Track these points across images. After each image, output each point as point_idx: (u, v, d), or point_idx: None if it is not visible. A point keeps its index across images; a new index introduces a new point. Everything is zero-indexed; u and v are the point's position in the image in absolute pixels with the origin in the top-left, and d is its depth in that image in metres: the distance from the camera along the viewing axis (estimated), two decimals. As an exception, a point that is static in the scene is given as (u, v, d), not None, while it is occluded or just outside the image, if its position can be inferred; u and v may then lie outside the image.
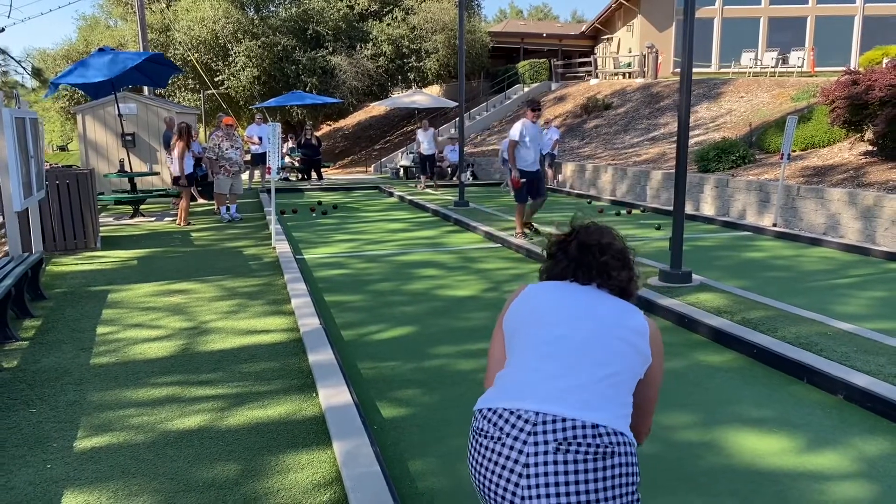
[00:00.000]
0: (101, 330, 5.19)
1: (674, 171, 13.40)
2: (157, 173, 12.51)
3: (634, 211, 12.38)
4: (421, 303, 6.10)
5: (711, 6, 27.31)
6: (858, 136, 11.06)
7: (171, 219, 11.71)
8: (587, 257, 1.98)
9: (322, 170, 19.83)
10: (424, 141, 17.08)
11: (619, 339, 1.83)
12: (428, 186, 16.95)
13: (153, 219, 11.74)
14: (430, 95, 24.30)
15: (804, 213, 9.84)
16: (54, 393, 3.97)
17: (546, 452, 1.65)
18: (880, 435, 3.48)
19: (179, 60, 25.08)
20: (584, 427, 1.67)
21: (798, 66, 23.12)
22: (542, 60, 29.62)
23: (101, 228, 10.06)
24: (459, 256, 8.25)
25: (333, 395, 3.75)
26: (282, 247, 8.48)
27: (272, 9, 27.71)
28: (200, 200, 13.62)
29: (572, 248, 2.02)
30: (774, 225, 9.94)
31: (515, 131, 8.77)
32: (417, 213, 12.62)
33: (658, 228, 10.26)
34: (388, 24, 26.61)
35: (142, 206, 12.32)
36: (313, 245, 9.15)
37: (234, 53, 25.01)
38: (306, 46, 25.64)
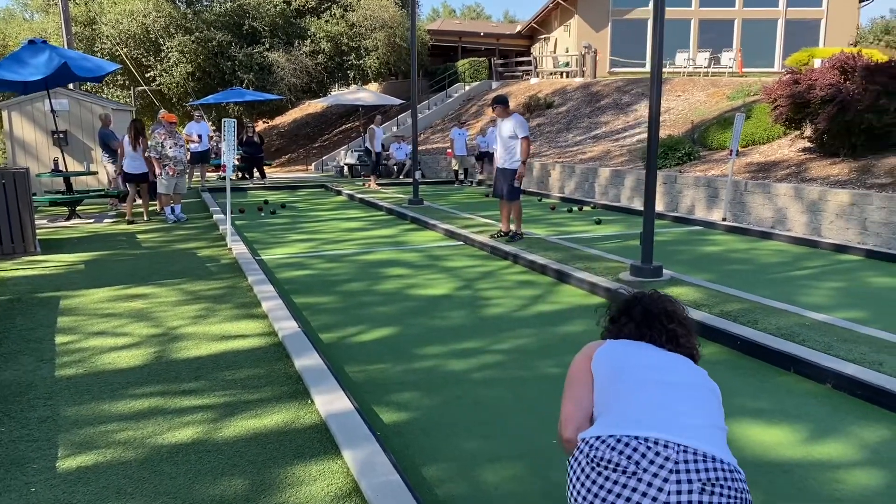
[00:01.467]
0: (60, 339, 4.84)
1: (621, 168, 13.63)
2: (94, 173, 11.87)
3: (585, 208, 12.53)
4: (395, 303, 5.96)
5: (645, 7, 28.02)
6: (798, 133, 11.50)
7: (110, 220, 11.16)
8: (655, 323, 2.02)
9: (264, 168, 19.32)
10: (379, 138, 16.86)
11: (715, 399, 1.84)
12: (370, 184, 16.75)
13: (91, 220, 11.16)
14: (374, 93, 24.07)
15: (752, 207, 10.16)
16: (21, 409, 3.66)
17: (691, 492, 1.53)
18: (875, 422, 3.57)
19: (107, 55, 24.00)
20: (724, 469, 1.59)
21: (729, 67, 23.97)
22: (481, 59, 29.76)
23: (37, 231, 9.47)
24: (424, 255, 8.13)
25: (331, 402, 3.58)
26: (238, 247, 8.17)
27: (205, 3, 26.87)
28: (138, 200, 13.02)
29: (636, 313, 2.06)
30: (724, 219, 10.23)
31: None
32: (371, 211, 12.43)
33: (598, 223, 10.41)
34: (327, 21, 26.19)
35: (78, 208, 11.69)
36: (269, 245, 8.86)
37: (167, 48, 24.13)
38: (242, 42, 24.98)
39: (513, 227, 8.65)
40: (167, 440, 3.27)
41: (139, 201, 11.21)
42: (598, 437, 1.66)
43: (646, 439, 1.60)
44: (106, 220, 11.14)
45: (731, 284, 6.31)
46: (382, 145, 18.33)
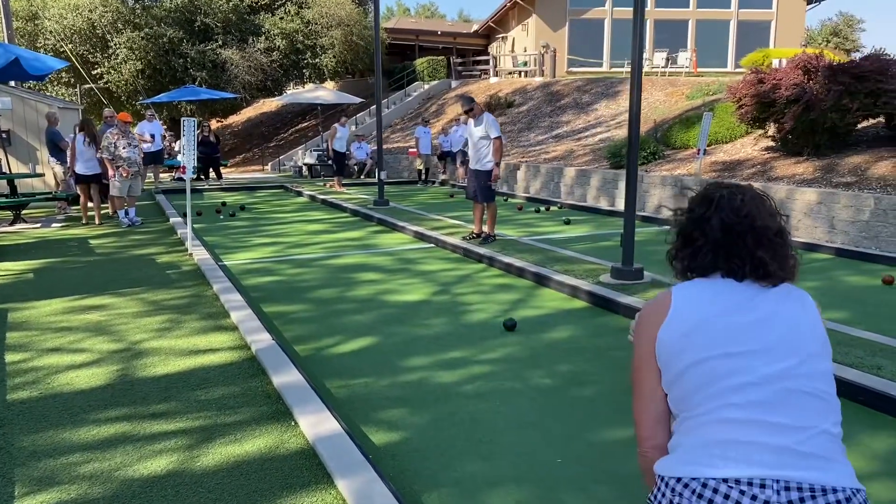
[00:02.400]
0: (10, 357, 4.44)
1: (587, 167, 13.59)
2: (40, 175, 11.26)
3: (552, 208, 12.43)
4: (371, 310, 5.70)
5: (601, 7, 28.21)
6: (761, 132, 11.60)
7: (58, 225, 10.59)
8: (738, 248, 1.53)
9: (220, 168, 18.75)
10: (343, 137, 16.48)
11: (827, 367, 1.48)
12: (335, 185, 16.39)
13: (38, 225, 10.57)
14: (332, 91, 23.66)
15: (720, 206, 10.17)
16: (-30, 440, 3.30)
17: None
18: (882, 430, 3.47)
19: (51, 52, 23.02)
20: (838, 501, 1.32)
21: (686, 67, 24.28)
22: (439, 58, 29.56)
23: (-20, 237, 8.93)
24: (395, 258, 7.88)
25: (317, 423, 3.32)
26: (200, 253, 7.78)
27: (155, -2, 25.99)
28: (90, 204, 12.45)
29: (713, 229, 1.56)
30: (692, 219, 10.22)
31: None
32: (335, 213, 12.09)
33: (567, 223, 10.31)
34: (281, 18, 25.63)
35: (23, 212, 11.08)
36: (231, 250, 8.49)
37: (115, 45, 23.25)
38: (194, 39, 24.24)
39: (485, 228, 8.45)
40: (139, 472, 2.96)
41: (91, 204, 10.69)
42: (678, 480, 1.40)
43: (737, 481, 1.34)
44: (54, 225, 10.57)
45: (711, 286, 6.22)
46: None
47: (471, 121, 8.33)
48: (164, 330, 5.04)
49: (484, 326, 5.22)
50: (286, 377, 3.93)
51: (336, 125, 16.61)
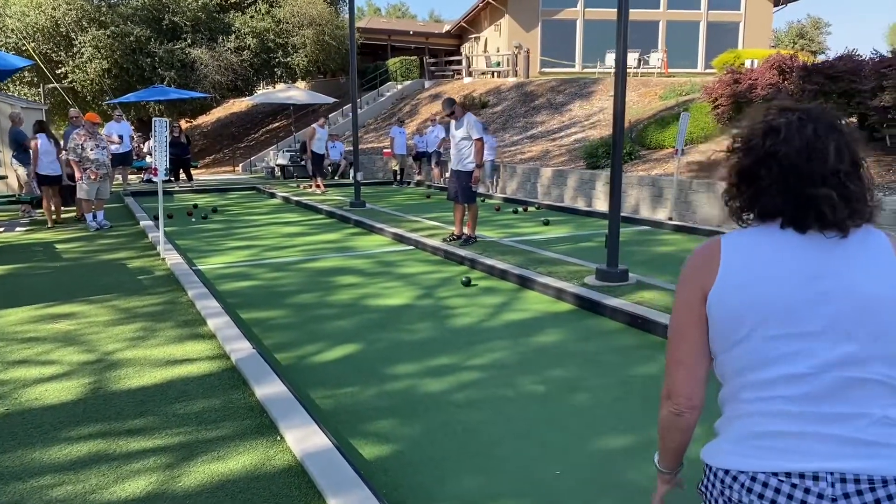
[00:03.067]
0: (-26, 371, 4.21)
1: (564, 168, 13.56)
2: (3, 177, 10.88)
3: (530, 209, 12.36)
4: (353, 315, 5.55)
5: (573, 8, 28.30)
6: (736, 132, 11.66)
7: (23, 229, 10.24)
8: (810, 188, 1.29)
9: (191, 170, 18.36)
10: (323, 139, 16.17)
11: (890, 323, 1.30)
12: (309, 186, 16.13)
13: (1, 229, 10.20)
14: (305, 91, 23.37)
15: (698, 206, 10.20)
16: (-69, 462, 3.08)
17: None
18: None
19: (13, 50, 22.38)
20: None
21: (657, 68, 24.47)
22: (412, 58, 29.41)
23: (-60, 243, 8.57)
24: (374, 261, 7.72)
25: (305, 438, 3.17)
26: (172, 257, 7.55)
27: (121, -5, 25.42)
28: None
29: (782, 165, 1.31)
30: (670, 219, 10.24)
31: None
32: (310, 215, 11.88)
33: (546, 224, 10.25)
34: (252, 17, 25.25)
35: (-15, 215, 10.71)
36: (205, 254, 8.26)
37: (80, 43, 22.69)
38: (162, 38, 23.75)
39: (466, 230, 8.34)
40: (116, 495, 2.79)
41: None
42: (727, 472, 1.32)
43: (787, 475, 1.25)
44: (18, 229, 10.21)
45: (695, 287, 6.18)
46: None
47: (452, 122, 8.22)
48: (138, 339, 4.83)
49: (470, 331, 5.10)
50: (269, 388, 3.77)
51: (315, 126, 16.32)
